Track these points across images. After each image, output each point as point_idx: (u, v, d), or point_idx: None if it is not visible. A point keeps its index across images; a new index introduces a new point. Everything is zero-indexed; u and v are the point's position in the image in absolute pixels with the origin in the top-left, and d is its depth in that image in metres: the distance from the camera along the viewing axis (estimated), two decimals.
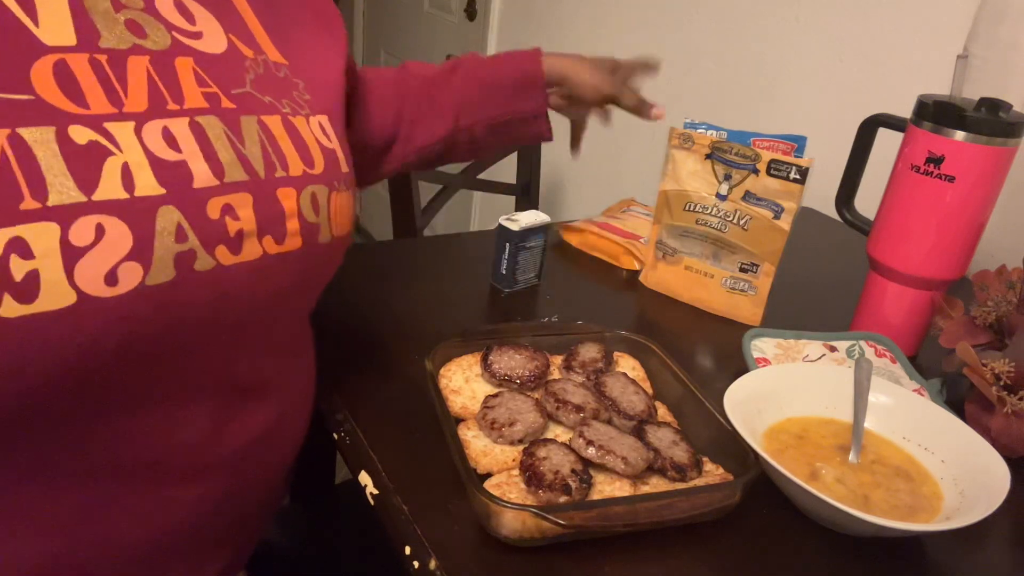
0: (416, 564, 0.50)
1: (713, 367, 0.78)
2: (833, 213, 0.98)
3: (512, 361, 0.65)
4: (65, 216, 0.37)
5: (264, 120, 0.48)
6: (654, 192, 0.90)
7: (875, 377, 0.67)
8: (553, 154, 1.94)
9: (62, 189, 0.37)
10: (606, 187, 1.85)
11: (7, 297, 0.35)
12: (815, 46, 1.33)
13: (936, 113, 0.73)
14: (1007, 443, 0.64)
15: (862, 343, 0.80)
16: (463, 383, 0.64)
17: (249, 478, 0.54)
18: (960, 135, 0.72)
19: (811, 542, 0.55)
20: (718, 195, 0.85)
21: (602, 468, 0.55)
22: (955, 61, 0.75)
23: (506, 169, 1.65)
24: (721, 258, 0.87)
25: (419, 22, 2.54)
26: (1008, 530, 0.60)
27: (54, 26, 0.40)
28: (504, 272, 0.86)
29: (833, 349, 0.78)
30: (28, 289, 0.36)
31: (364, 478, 0.57)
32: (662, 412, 0.65)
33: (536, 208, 1.59)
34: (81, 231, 0.37)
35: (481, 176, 1.57)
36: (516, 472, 0.55)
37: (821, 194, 1.10)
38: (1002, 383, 0.65)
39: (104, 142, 0.39)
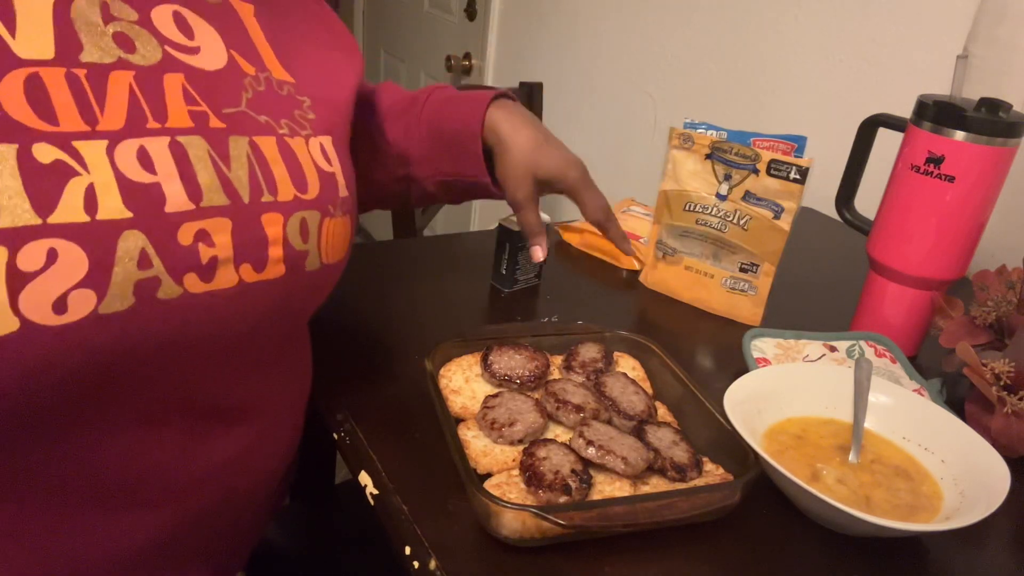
0: (416, 564, 0.50)
1: (713, 367, 0.78)
2: (833, 213, 0.99)
3: (512, 361, 0.65)
4: (14, 239, 0.35)
5: (256, 141, 0.46)
6: (654, 192, 0.90)
7: (875, 377, 0.67)
8: None
9: (15, 211, 0.35)
10: (606, 187, 1.84)
11: None
12: (815, 46, 1.33)
13: (936, 113, 0.73)
14: (1007, 443, 0.64)
15: (862, 343, 0.80)
16: (463, 383, 0.64)
17: (230, 494, 0.53)
18: (960, 135, 0.72)
19: (811, 542, 0.55)
20: (718, 195, 0.85)
21: (602, 468, 0.55)
22: (955, 61, 0.75)
23: None
24: (721, 258, 0.87)
25: (419, 22, 2.54)
26: (1008, 530, 0.60)
27: (32, 38, 0.39)
28: (504, 272, 0.87)
29: (833, 349, 0.78)
30: None
31: (364, 478, 0.57)
32: (662, 412, 0.65)
33: None
34: (31, 255, 0.36)
35: None
36: (516, 472, 0.55)
37: (821, 194, 1.10)
38: (1002, 383, 0.65)
39: (70, 161, 0.38)
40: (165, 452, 0.47)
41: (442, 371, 0.66)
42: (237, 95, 0.47)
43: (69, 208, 0.37)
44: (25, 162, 0.36)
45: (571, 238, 1.03)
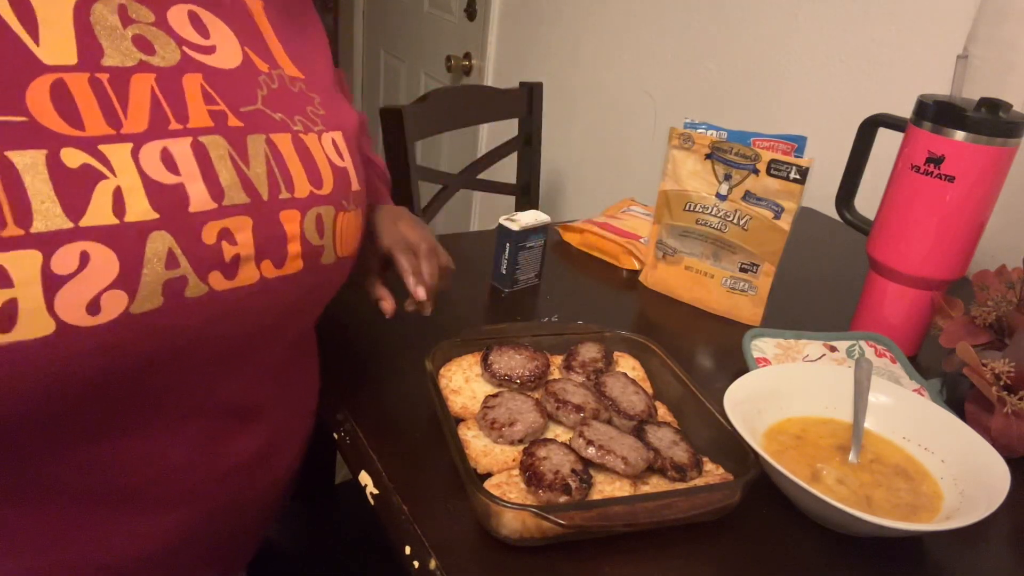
0: (416, 564, 0.50)
1: (713, 367, 0.78)
2: (833, 213, 0.99)
3: (512, 361, 0.65)
4: (48, 243, 0.36)
5: (273, 139, 0.47)
6: (654, 192, 0.90)
7: (875, 377, 0.67)
8: (553, 154, 1.94)
9: (48, 215, 0.36)
10: (606, 187, 1.85)
11: None
12: (815, 46, 1.33)
13: (936, 113, 0.73)
14: (1007, 443, 0.64)
15: (862, 343, 0.80)
16: (463, 383, 0.64)
17: (239, 498, 0.54)
18: (960, 135, 0.72)
19: (811, 542, 0.55)
20: (718, 195, 0.85)
21: (602, 468, 0.55)
22: (955, 61, 0.75)
23: (506, 169, 1.65)
24: (721, 258, 0.87)
25: (419, 22, 2.54)
26: (1008, 530, 0.60)
27: (55, 44, 0.39)
28: (504, 272, 0.86)
29: (833, 349, 0.78)
30: (5, 318, 0.35)
31: (364, 478, 0.57)
32: (662, 412, 0.65)
33: (536, 208, 1.59)
34: (64, 259, 0.36)
35: (481, 176, 1.57)
36: (516, 472, 0.55)
37: (821, 194, 1.10)
38: (1002, 383, 0.65)
39: (97, 165, 0.38)
40: (184, 453, 0.48)
41: (442, 371, 0.66)
42: (253, 93, 0.48)
43: (99, 211, 0.38)
44: (55, 167, 0.37)
45: (571, 238, 1.03)
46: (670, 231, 0.90)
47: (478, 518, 0.52)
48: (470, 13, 2.21)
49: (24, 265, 0.35)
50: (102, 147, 0.39)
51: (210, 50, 0.47)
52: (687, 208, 0.87)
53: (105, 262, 0.38)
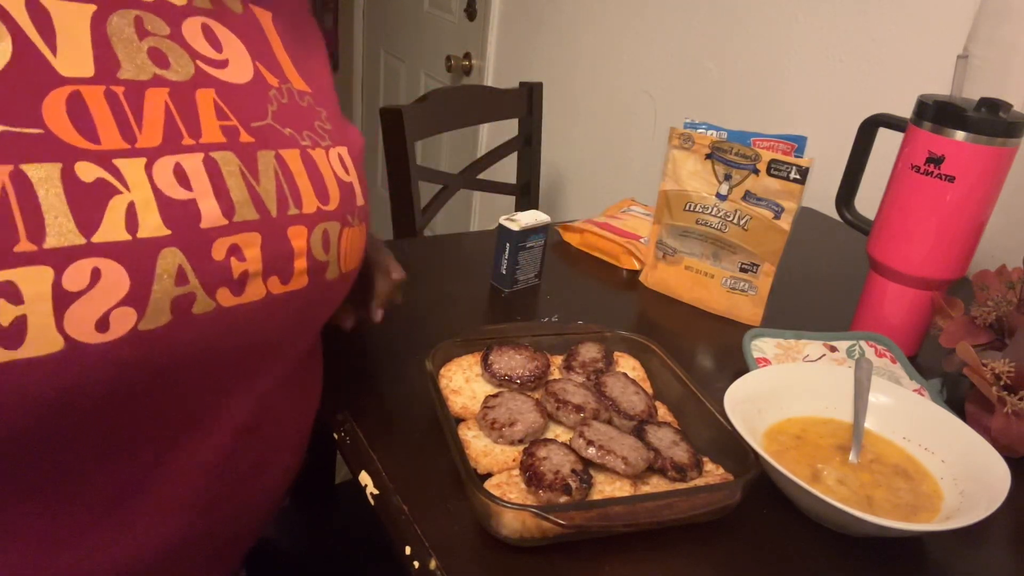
0: (416, 564, 0.50)
1: (713, 367, 0.78)
2: (833, 213, 0.99)
3: (512, 361, 0.65)
4: (60, 259, 0.35)
5: (282, 154, 0.47)
6: (654, 192, 0.90)
7: (875, 377, 0.67)
8: (553, 154, 1.94)
9: (61, 231, 0.36)
10: (606, 187, 1.85)
11: None
12: (815, 46, 1.33)
13: (936, 113, 0.73)
14: (1007, 443, 0.64)
15: (862, 343, 0.80)
16: (463, 383, 0.64)
17: (239, 504, 0.54)
18: (960, 135, 0.72)
19: (811, 542, 0.55)
20: (718, 195, 0.85)
21: (602, 468, 0.55)
22: (955, 61, 0.75)
23: (506, 169, 1.65)
24: (721, 258, 0.87)
25: (419, 22, 2.54)
26: (1008, 530, 0.60)
27: (72, 56, 0.39)
28: (504, 272, 0.86)
29: (833, 349, 0.78)
30: (13, 335, 0.34)
31: (364, 478, 0.57)
32: (662, 412, 0.65)
33: (536, 208, 1.60)
34: (76, 276, 0.36)
35: (481, 176, 1.57)
36: (516, 472, 0.55)
37: (821, 194, 1.10)
38: (1002, 383, 0.65)
39: (111, 180, 0.38)
40: (188, 463, 0.47)
41: (442, 371, 0.66)
42: (263, 108, 0.48)
43: (112, 227, 0.37)
44: (69, 181, 0.37)
45: (571, 238, 1.03)
46: (670, 231, 0.90)
47: (478, 518, 0.52)
48: (470, 13, 2.22)
49: (35, 281, 0.35)
50: (116, 161, 0.38)
51: (223, 64, 0.46)
52: (687, 208, 0.87)
53: (116, 279, 0.37)
